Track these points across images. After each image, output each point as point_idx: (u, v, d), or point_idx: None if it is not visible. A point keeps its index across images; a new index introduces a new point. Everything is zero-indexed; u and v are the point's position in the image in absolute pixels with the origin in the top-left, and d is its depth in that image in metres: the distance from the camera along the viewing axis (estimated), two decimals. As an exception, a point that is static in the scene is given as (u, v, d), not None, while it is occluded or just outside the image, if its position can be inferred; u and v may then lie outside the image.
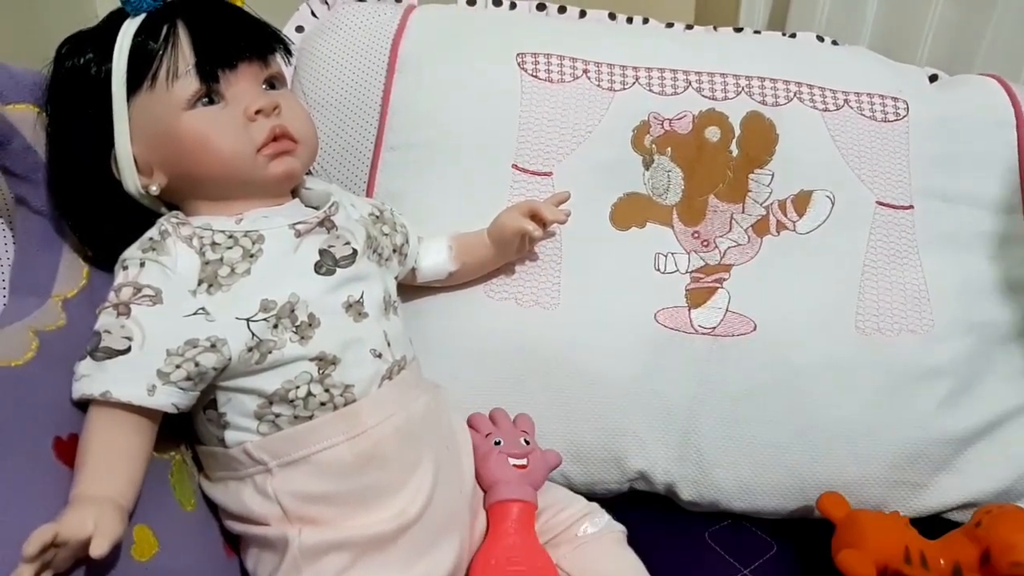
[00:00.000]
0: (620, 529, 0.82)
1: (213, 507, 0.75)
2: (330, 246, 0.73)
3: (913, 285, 0.93)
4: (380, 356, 0.73)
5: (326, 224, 0.74)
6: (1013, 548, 0.79)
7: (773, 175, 0.96)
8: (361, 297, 0.73)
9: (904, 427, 0.89)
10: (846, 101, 1.00)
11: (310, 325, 0.70)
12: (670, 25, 1.12)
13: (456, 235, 0.89)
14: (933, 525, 0.87)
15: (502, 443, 0.82)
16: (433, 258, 0.87)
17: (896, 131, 0.99)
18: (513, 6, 1.10)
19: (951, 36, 1.17)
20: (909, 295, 0.93)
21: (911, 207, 0.97)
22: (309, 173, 0.83)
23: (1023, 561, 0.78)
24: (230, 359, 0.67)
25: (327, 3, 1.08)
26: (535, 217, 0.86)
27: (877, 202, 0.96)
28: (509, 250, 0.88)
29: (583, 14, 1.10)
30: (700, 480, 0.90)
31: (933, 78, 1.13)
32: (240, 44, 0.72)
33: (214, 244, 0.69)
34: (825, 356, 0.90)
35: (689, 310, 0.92)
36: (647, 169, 0.96)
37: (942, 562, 0.81)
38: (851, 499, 0.86)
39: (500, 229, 0.87)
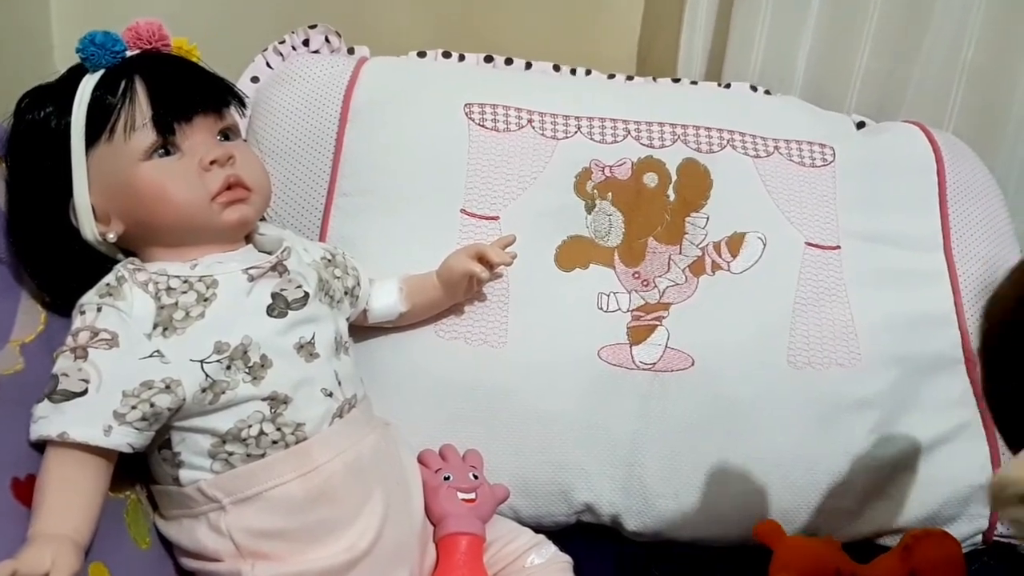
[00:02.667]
0: (566, 559, 0.85)
1: (168, 545, 0.76)
2: (282, 289, 0.76)
3: (841, 321, 0.98)
4: (331, 395, 0.76)
5: (278, 268, 0.77)
6: (936, 568, 0.84)
7: (708, 218, 1.01)
8: (312, 338, 0.77)
9: (835, 457, 0.93)
10: (776, 148, 1.05)
11: (262, 366, 0.73)
12: (612, 76, 1.17)
13: (406, 277, 0.92)
14: (865, 550, 0.91)
15: (451, 478, 0.85)
16: (384, 300, 0.90)
17: (823, 176, 1.05)
18: (462, 58, 1.15)
19: (878, 85, 1.24)
20: (837, 330, 0.98)
21: (838, 247, 1.02)
22: (263, 219, 0.86)
23: (946, 582, 0.83)
24: (184, 399, 0.70)
25: (281, 55, 1.12)
26: (482, 259, 0.90)
27: (806, 243, 1.01)
28: (458, 291, 0.92)
29: (529, 66, 1.16)
30: (644, 511, 0.93)
31: (861, 125, 1.19)
32: (195, 98, 0.76)
33: (169, 289, 0.72)
34: (760, 389, 0.95)
35: (631, 347, 0.96)
36: (589, 213, 1.00)
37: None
38: (787, 525, 0.90)
39: (449, 271, 0.90)
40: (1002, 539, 0.96)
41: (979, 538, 0.96)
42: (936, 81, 1.23)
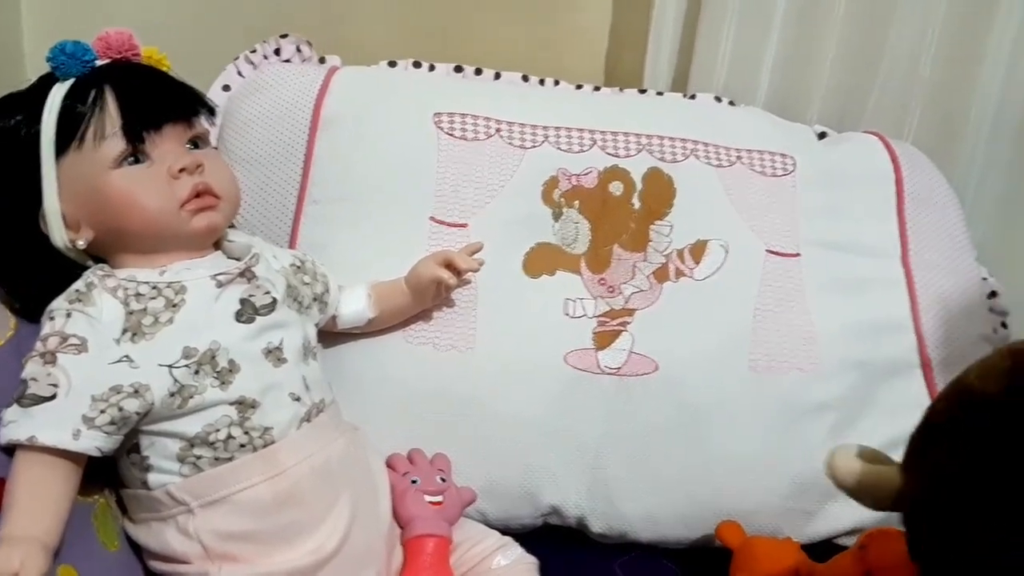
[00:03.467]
0: (532, 561, 0.86)
1: (136, 548, 0.77)
2: (250, 295, 0.77)
3: (800, 326, 1.01)
4: (299, 400, 0.78)
5: (247, 275, 0.78)
6: (891, 567, 0.86)
7: (672, 226, 1.04)
8: (280, 343, 0.78)
9: (795, 459, 0.96)
10: (739, 158, 1.08)
11: (230, 371, 0.74)
12: (579, 87, 1.20)
13: (375, 283, 0.93)
14: (824, 550, 0.93)
15: (419, 481, 0.86)
16: (353, 306, 0.92)
17: (784, 185, 1.07)
18: (432, 68, 1.16)
19: (839, 97, 1.27)
20: (797, 336, 1.00)
21: (798, 255, 1.05)
22: (232, 226, 0.87)
23: (901, 580, 0.85)
24: (153, 404, 0.71)
25: (253, 64, 1.13)
26: (450, 266, 0.92)
27: (767, 250, 1.04)
28: (426, 297, 0.93)
29: (498, 76, 1.18)
30: (609, 513, 0.95)
31: (822, 135, 1.22)
32: (164, 107, 0.77)
33: (138, 295, 0.73)
34: (722, 393, 0.97)
35: (596, 352, 0.97)
36: (556, 221, 1.02)
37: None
38: (748, 527, 0.92)
39: (417, 277, 0.92)
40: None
41: (935, 538, 0.99)
42: (895, 93, 1.26)
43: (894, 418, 0.99)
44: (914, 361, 1.03)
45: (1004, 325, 1.15)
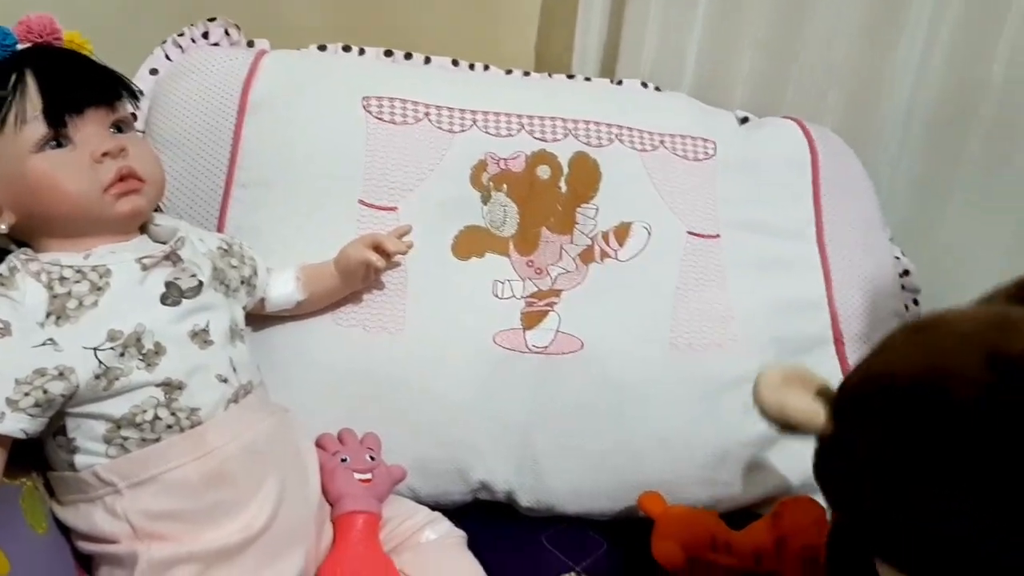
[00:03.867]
0: (460, 534, 0.89)
1: (65, 530, 0.77)
2: (176, 278, 0.78)
3: (719, 305, 1.05)
4: (226, 381, 0.79)
5: (172, 258, 0.79)
6: (803, 532, 0.91)
7: (598, 209, 1.06)
8: (207, 326, 0.79)
9: (714, 432, 1.00)
10: (662, 142, 1.11)
11: (156, 353, 0.74)
12: (509, 72, 1.22)
13: (304, 266, 0.95)
14: (742, 518, 0.97)
15: (348, 460, 0.88)
16: (281, 288, 0.93)
17: (705, 169, 1.11)
18: (362, 52, 1.17)
19: (760, 83, 1.31)
20: (716, 314, 1.04)
21: (718, 236, 1.09)
22: (158, 210, 0.88)
23: (810, 543, 0.89)
24: (78, 386, 0.71)
25: (181, 47, 1.12)
26: (379, 248, 0.93)
27: (688, 232, 1.07)
28: (355, 280, 0.94)
29: (428, 61, 1.19)
30: (536, 487, 0.98)
31: (744, 120, 1.26)
32: (86, 91, 0.77)
33: (62, 279, 0.73)
34: (644, 370, 1.00)
35: (524, 332, 1.00)
36: (485, 204, 1.04)
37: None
38: (669, 497, 0.95)
39: (346, 260, 0.93)
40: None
41: (847, 505, 1.04)
42: (813, 79, 1.31)
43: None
44: (827, 337, 1.08)
45: (916, 302, 1.21)
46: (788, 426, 0.69)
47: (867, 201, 1.20)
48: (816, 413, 0.67)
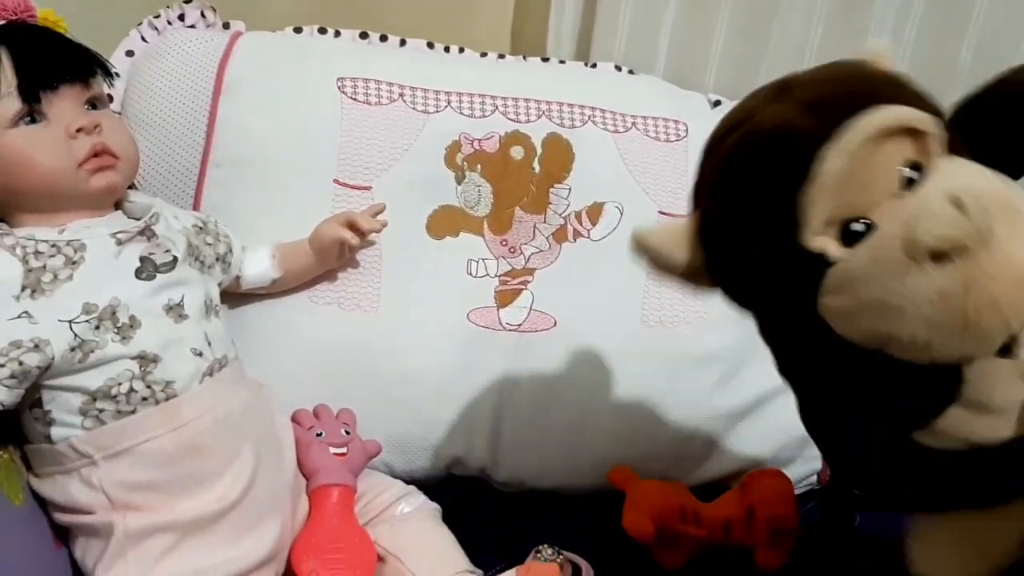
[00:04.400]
0: (435, 507, 0.90)
1: (42, 502, 0.78)
2: (150, 253, 0.79)
3: (690, 283, 1.06)
4: (201, 355, 0.80)
5: (146, 233, 0.80)
6: (771, 503, 0.93)
7: (570, 189, 1.08)
8: (181, 300, 0.80)
9: (684, 407, 1.02)
10: (634, 124, 1.13)
11: (131, 326, 0.75)
12: (484, 54, 1.22)
13: (279, 244, 0.96)
14: (712, 491, 0.99)
15: (324, 434, 0.89)
16: (256, 267, 0.94)
17: (676, 150, 1.13)
18: (338, 34, 1.18)
19: (733, 66, 1.32)
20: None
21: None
22: (134, 187, 0.88)
23: (778, 513, 0.92)
24: (53, 358, 0.72)
25: (157, 29, 1.13)
26: (353, 227, 0.94)
27: (659, 212, 1.09)
28: (329, 258, 0.96)
29: (403, 43, 1.20)
30: (510, 463, 1.00)
31: (717, 104, 1.28)
32: (60, 67, 0.78)
33: (37, 253, 0.74)
34: (616, 347, 1.02)
35: (498, 310, 1.02)
36: (459, 184, 1.06)
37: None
38: (641, 472, 0.98)
39: (320, 238, 0.94)
40: (835, 479, 1.06)
41: (814, 478, 1.06)
42: (786, 62, 1.32)
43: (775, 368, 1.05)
44: (796, 314, 1.09)
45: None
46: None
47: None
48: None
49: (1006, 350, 0.57)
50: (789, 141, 0.59)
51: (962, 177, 0.57)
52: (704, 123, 1.16)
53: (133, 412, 0.75)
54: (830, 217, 0.57)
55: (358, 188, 1.02)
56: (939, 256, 0.52)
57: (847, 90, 0.60)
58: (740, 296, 0.68)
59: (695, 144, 1.13)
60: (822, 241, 0.58)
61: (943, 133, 0.59)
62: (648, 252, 0.67)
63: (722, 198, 0.63)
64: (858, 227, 0.57)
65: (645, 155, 1.11)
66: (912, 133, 0.58)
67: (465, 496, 1.00)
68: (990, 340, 0.55)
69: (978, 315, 0.53)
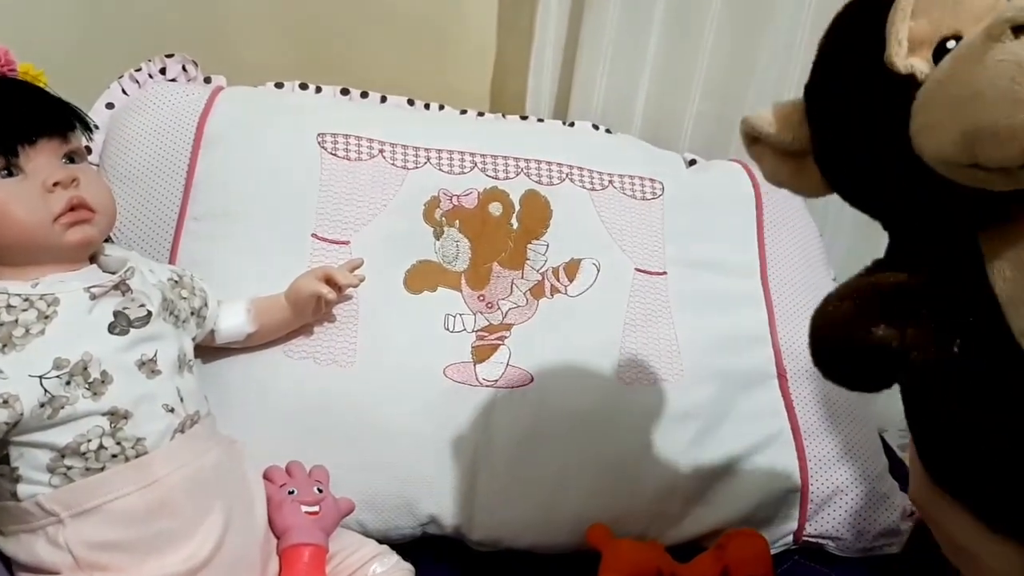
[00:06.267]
0: (408, 568, 0.89)
1: (7, 562, 0.76)
2: (124, 308, 0.78)
3: (666, 340, 1.07)
4: (172, 411, 0.79)
5: (121, 287, 0.79)
6: (747, 564, 0.92)
7: (548, 245, 1.09)
8: (155, 355, 0.79)
9: (661, 465, 1.01)
10: (611, 182, 1.14)
11: (103, 382, 0.74)
12: (464, 112, 1.24)
13: (255, 298, 0.95)
14: (687, 551, 0.99)
15: (296, 492, 0.88)
16: (231, 320, 0.93)
17: (652, 208, 1.14)
18: (319, 90, 1.19)
19: (707, 126, 1.36)
20: (663, 348, 1.06)
21: (665, 273, 1.11)
22: (110, 241, 0.88)
23: (753, 574, 0.91)
24: (22, 414, 0.71)
25: (137, 82, 1.14)
26: (330, 281, 0.94)
27: (636, 269, 1.10)
28: (305, 312, 0.95)
29: (384, 99, 1.21)
30: (486, 521, 0.98)
31: (692, 162, 1.30)
32: (39, 120, 0.78)
33: (9, 307, 0.73)
34: (592, 404, 1.02)
35: (474, 365, 1.01)
36: (438, 239, 1.06)
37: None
38: (617, 530, 0.97)
39: (296, 292, 0.94)
40: (811, 539, 1.05)
41: (790, 538, 1.05)
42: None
43: (752, 425, 1.06)
44: (771, 372, 1.10)
45: (856, 340, 1.24)
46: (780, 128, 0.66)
47: (810, 241, 1.24)
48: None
49: None
50: None
51: None
52: (679, 181, 1.19)
53: (102, 469, 0.74)
54: (924, 36, 0.55)
55: (336, 242, 1.02)
56: (1020, 30, 0.48)
57: None
58: (845, 174, 0.64)
59: (671, 202, 1.15)
60: (911, 61, 0.55)
61: None
62: (754, 131, 0.65)
63: (821, 50, 0.62)
64: (952, 45, 0.53)
65: (622, 213, 1.13)
66: None
67: (440, 556, 0.98)
68: None
69: None
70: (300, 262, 1.00)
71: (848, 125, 0.62)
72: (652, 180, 1.16)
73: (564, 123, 1.28)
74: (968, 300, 0.59)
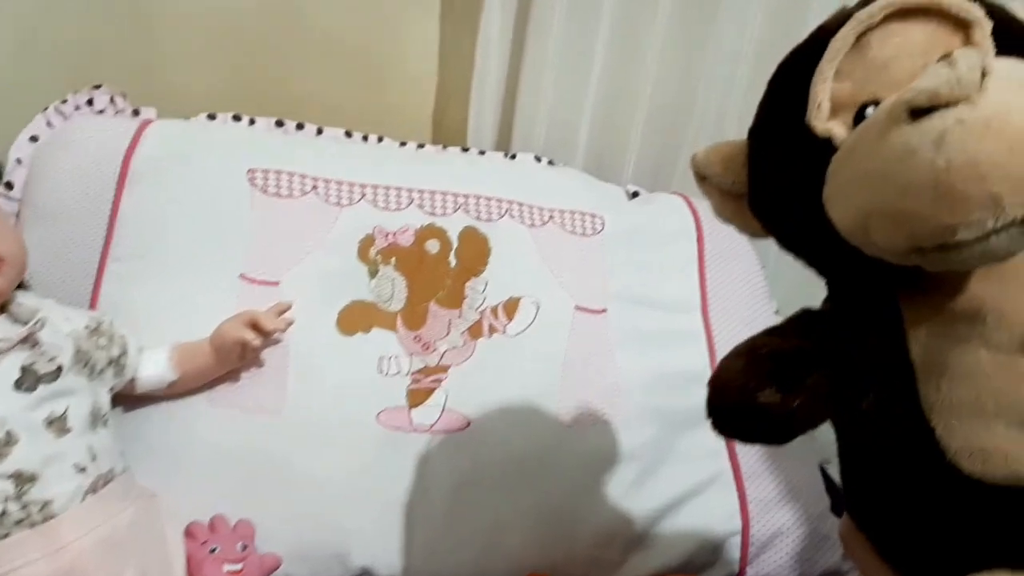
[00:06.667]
0: (337, 623, 0.86)
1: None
2: (32, 363, 0.75)
3: (606, 379, 1.05)
4: (84, 470, 0.75)
5: (29, 341, 0.76)
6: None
7: (487, 283, 1.07)
8: (65, 412, 0.75)
9: (600, 510, 0.99)
10: (551, 217, 1.12)
11: (7, 443, 0.71)
12: (403, 144, 1.22)
13: (177, 345, 0.92)
14: (629, 597, 0.97)
15: (218, 549, 0.84)
16: (152, 368, 0.90)
17: (593, 244, 1.13)
18: (252, 122, 1.16)
19: (651, 158, 1.34)
20: (603, 388, 1.04)
21: (605, 311, 1.10)
22: (23, 286, 0.84)
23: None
24: (-81, 481, 0.67)
25: (64, 115, 1.10)
26: (256, 326, 0.91)
27: (576, 307, 1.08)
28: (231, 359, 0.92)
29: (320, 131, 1.18)
30: (421, 571, 0.95)
31: (635, 194, 1.29)
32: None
33: (-94, 364, 0.70)
34: (531, 447, 1.00)
35: (409, 410, 0.99)
36: (372, 278, 1.04)
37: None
38: (555, 576, 0.95)
39: (221, 338, 0.91)
40: (751, 583, 1.04)
41: (731, 583, 1.04)
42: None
43: (693, 466, 1.04)
44: (712, 411, 1.09)
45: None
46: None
47: (752, 273, 1.23)
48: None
49: None
50: (820, 31, 0.58)
51: (998, 63, 0.49)
52: (620, 216, 1.18)
53: (6, 536, 0.70)
54: (847, 99, 0.55)
55: (265, 283, 0.99)
56: (920, 113, 0.47)
57: None
58: (773, 223, 0.65)
59: (612, 238, 1.14)
60: (830, 125, 0.55)
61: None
62: (699, 170, 0.68)
63: (763, 98, 0.63)
64: (871, 111, 0.53)
65: (562, 249, 1.11)
66: (960, 27, 0.54)
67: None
68: (968, 209, 0.46)
69: (950, 175, 0.45)
70: (227, 304, 0.96)
71: (775, 178, 0.62)
72: (593, 215, 1.15)
73: (507, 154, 1.27)
74: (886, 358, 0.59)
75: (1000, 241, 0.47)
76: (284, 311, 0.95)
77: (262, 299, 0.98)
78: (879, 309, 0.60)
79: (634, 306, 1.11)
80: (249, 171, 1.03)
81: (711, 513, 1.03)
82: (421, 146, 1.23)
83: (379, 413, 0.97)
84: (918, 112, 0.47)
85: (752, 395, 0.59)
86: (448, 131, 1.34)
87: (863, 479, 0.68)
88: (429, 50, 1.31)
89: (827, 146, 0.55)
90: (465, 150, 1.25)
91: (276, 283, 0.99)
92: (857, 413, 0.61)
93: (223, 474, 0.91)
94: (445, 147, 1.24)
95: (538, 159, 1.26)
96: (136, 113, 1.14)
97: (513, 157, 1.25)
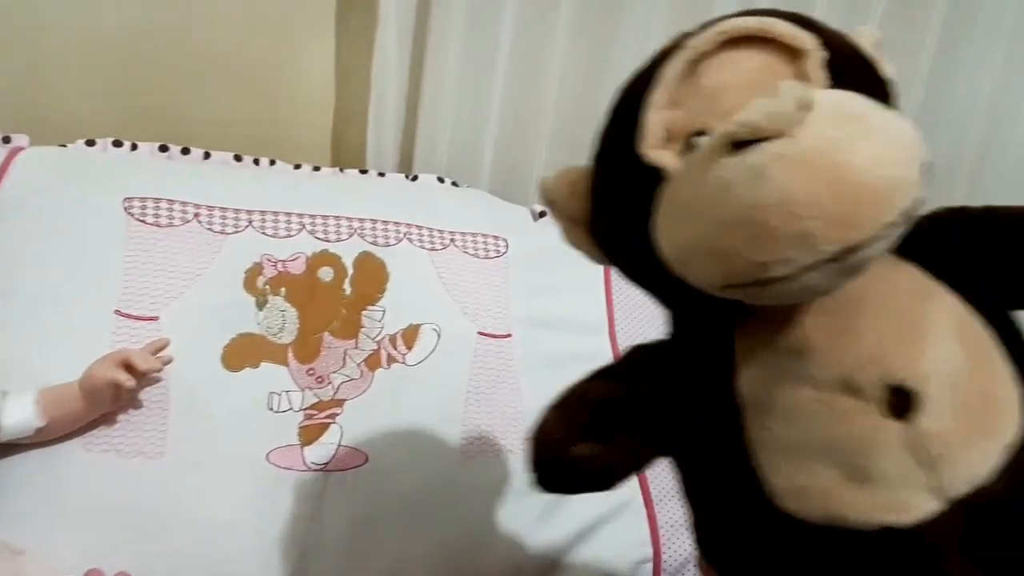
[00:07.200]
0: None
1: None
2: None
3: (512, 407, 1.02)
4: (-70, 533, 0.68)
5: None
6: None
7: (384, 311, 1.02)
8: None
9: (506, 544, 0.96)
10: (452, 241, 1.09)
11: None
12: (298, 167, 1.17)
13: (44, 389, 0.85)
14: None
15: (92, 607, 0.78)
16: (17, 414, 0.83)
17: (496, 267, 1.09)
18: (135, 147, 1.10)
19: (559, 176, 1.31)
20: (508, 416, 1.01)
21: (509, 335, 1.06)
22: None
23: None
24: None
25: (-80, 143, 1.02)
26: (129, 367, 0.85)
27: (479, 332, 1.04)
28: (102, 402, 0.86)
29: (207, 156, 1.12)
30: (318, 615, 0.91)
31: (542, 214, 1.26)
32: None
33: None
34: (433, 481, 0.96)
35: (302, 448, 0.94)
36: (260, 309, 0.98)
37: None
38: (461, 618, 0.90)
39: (91, 380, 0.85)
40: (667, 609, 1.01)
41: (645, 613, 1.01)
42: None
43: (603, 495, 1.01)
44: (622, 435, 1.06)
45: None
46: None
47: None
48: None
49: (899, 411, 0.52)
50: (660, 56, 0.56)
51: (825, 96, 0.49)
52: (525, 238, 1.14)
53: None
54: (680, 129, 0.54)
55: (143, 319, 0.93)
56: (741, 145, 0.46)
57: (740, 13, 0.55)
58: (610, 252, 0.65)
59: (514, 260, 1.11)
60: (660, 154, 0.54)
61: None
62: (546, 195, 0.67)
63: (601, 126, 0.61)
64: (701, 141, 0.51)
65: (463, 273, 1.07)
66: (794, 56, 0.53)
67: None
68: (779, 246, 0.45)
69: (765, 211, 0.45)
70: (102, 343, 0.90)
71: (612, 207, 0.62)
72: (496, 237, 1.11)
73: (408, 176, 1.22)
74: (713, 396, 0.58)
75: (813, 279, 0.47)
76: (161, 348, 0.89)
77: (141, 336, 0.92)
78: (712, 343, 0.59)
79: (540, 329, 1.08)
80: (126, 199, 0.97)
81: (621, 541, 1.00)
82: (317, 169, 1.18)
83: (269, 452, 0.92)
84: (740, 144, 0.46)
85: (567, 450, 0.59)
86: (347, 153, 1.29)
87: (701, 512, 0.66)
88: (325, 68, 1.26)
89: (657, 175, 0.54)
90: (364, 172, 1.20)
91: (155, 318, 0.93)
92: (688, 451, 0.60)
93: (100, 524, 0.85)
94: (343, 169, 1.20)
95: (441, 180, 1.22)
96: (7, 140, 1.07)
97: (415, 179, 1.21)
